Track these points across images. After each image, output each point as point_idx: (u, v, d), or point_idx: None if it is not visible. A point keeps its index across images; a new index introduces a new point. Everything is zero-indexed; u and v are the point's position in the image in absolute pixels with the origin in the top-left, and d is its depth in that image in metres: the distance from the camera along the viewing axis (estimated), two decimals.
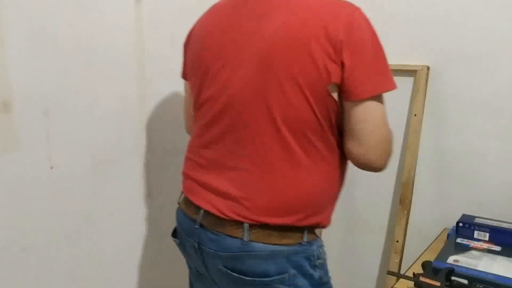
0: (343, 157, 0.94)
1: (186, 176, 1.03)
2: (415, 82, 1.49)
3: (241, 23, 0.91)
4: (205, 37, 0.97)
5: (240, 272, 0.91)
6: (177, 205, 1.06)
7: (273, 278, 0.89)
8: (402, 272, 1.35)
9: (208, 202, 0.94)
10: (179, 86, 1.44)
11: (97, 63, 1.18)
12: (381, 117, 0.88)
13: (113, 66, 1.22)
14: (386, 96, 1.55)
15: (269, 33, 0.86)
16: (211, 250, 0.93)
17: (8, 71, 0.99)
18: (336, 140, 0.92)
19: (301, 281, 0.91)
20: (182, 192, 1.04)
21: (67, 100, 1.12)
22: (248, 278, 0.90)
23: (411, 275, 1.06)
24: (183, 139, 1.49)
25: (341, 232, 1.73)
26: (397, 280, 1.11)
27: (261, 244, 0.89)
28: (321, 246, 0.96)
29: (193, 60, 1.00)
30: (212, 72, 0.94)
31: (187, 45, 1.07)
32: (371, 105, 0.87)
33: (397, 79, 1.52)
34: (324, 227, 0.96)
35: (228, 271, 0.92)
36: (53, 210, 1.12)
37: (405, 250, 1.53)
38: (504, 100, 1.36)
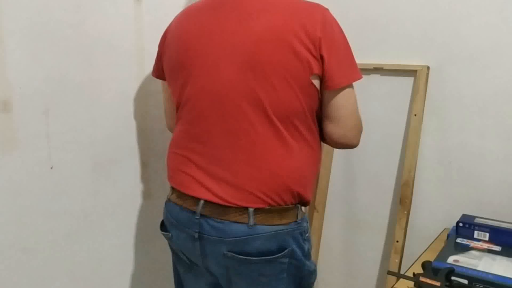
0: (319, 140, 1.07)
1: (177, 171, 1.07)
2: (415, 82, 1.49)
3: (222, 24, 0.98)
4: (185, 39, 1.03)
5: (246, 254, 0.98)
6: (168, 201, 1.11)
7: (276, 255, 0.98)
8: (402, 272, 1.35)
9: (208, 193, 0.99)
10: None
11: (97, 63, 1.18)
12: (355, 102, 1.03)
13: (113, 66, 1.22)
14: (386, 96, 1.56)
15: (253, 33, 0.95)
16: (215, 237, 0.99)
17: (8, 71, 0.99)
18: (315, 125, 1.04)
19: (297, 253, 1.02)
20: (173, 188, 1.09)
21: (67, 100, 1.12)
22: (254, 258, 0.98)
23: (411, 275, 1.06)
24: None
25: (341, 232, 1.73)
26: (397, 280, 1.11)
27: (265, 226, 0.97)
28: (307, 221, 1.07)
29: (173, 61, 1.06)
30: (195, 71, 1.00)
31: (162, 46, 1.12)
32: (348, 92, 1.00)
33: (397, 79, 1.54)
34: (308, 203, 1.07)
35: (234, 254, 0.98)
36: (53, 210, 1.12)
37: (405, 250, 1.53)
38: (504, 100, 1.36)
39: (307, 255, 1.05)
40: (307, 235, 1.05)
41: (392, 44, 1.53)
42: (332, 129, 1.03)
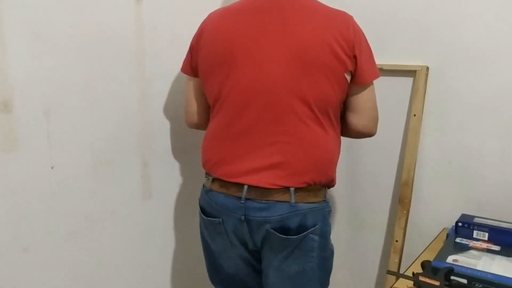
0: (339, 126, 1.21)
1: (220, 162, 1.16)
2: (414, 82, 1.49)
3: (267, 26, 1.11)
4: (228, 37, 1.13)
5: (286, 231, 1.10)
6: (208, 190, 1.19)
7: (309, 230, 1.11)
8: (401, 271, 1.35)
9: (252, 179, 1.10)
10: (179, 86, 1.45)
11: (97, 63, 1.18)
12: (375, 96, 1.20)
13: (113, 66, 1.22)
14: (386, 96, 1.57)
15: (298, 35, 1.09)
16: (261, 218, 1.11)
17: (8, 71, 0.99)
18: (339, 116, 1.19)
19: (325, 230, 1.16)
20: (213, 178, 1.17)
21: (67, 100, 1.12)
22: (292, 236, 1.10)
23: (411, 275, 1.06)
24: (183, 139, 1.50)
25: (341, 232, 1.74)
26: (397, 279, 1.12)
27: (303, 204, 1.11)
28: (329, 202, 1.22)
29: (213, 57, 1.15)
30: (239, 68, 1.11)
31: (197, 43, 1.20)
32: (372, 87, 1.18)
33: (396, 79, 1.55)
34: (333, 185, 1.21)
35: (276, 232, 1.10)
36: (54, 210, 1.12)
37: (404, 250, 1.53)
38: (503, 100, 1.37)
39: (330, 234, 1.19)
40: (330, 214, 1.20)
41: (392, 44, 1.54)
42: (356, 119, 1.19)
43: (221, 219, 1.17)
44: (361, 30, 1.15)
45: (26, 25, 1.02)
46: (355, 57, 1.11)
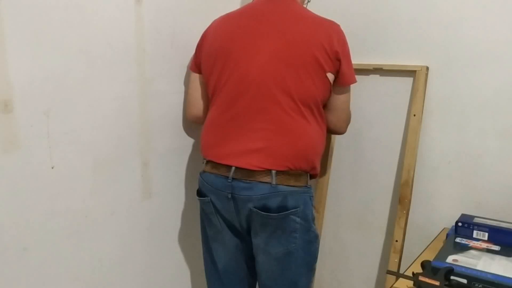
0: (325, 123, 1.33)
1: (213, 146, 1.27)
2: (414, 82, 1.49)
3: (260, 28, 1.24)
4: (226, 36, 1.27)
5: (267, 210, 1.19)
6: (202, 172, 1.30)
7: (290, 211, 1.20)
8: (401, 271, 1.35)
9: (239, 161, 1.21)
10: (179, 86, 1.45)
11: (97, 63, 1.18)
12: (349, 100, 1.36)
13: (113, 66, 1.22)
14: (386, 96, 1.57)
15: (287, 37, 1.21)
16: (245, 196, 1.21)
17: (9, 71, 0.99)
18: (323, 112, 1.30)
19: (307, 213, 1.24)
20: (207, 160, 1.29)
21: (67, 100, 1.12)
22: (273, 214, 1.19)
23: (411, 275, 1.06)
24: (183, 139, 1.50)
25: (340, 232, 1.74)
26: (397, 279, 1.12)
27: (284, 186, 1.20)
28: (313, 190, 1.31)
29: (214, 53, 1.28)
30: (234, 62, 1.23)
31: (201, 44, 1.35)
32: (349, 91, 1.33)
33: (396, 79, 1.55)
34: (316, 176, 1.31)
35: (258, 210, 1.20)
36: (54, 210, 1.13)
37: (404, 250, 1.53)
38: (502, 101, 1.37)
39: (313, 220, 1.28)
40: (313, 202, 1.28)
41: (392, 44, 1.54)
42: (332, 117, 1.33)
43: (209, 198, 1.27)
44: (344, 38, 1.27)
45: (26, 25, 1.02)
46: (338, 60, 1.23)
